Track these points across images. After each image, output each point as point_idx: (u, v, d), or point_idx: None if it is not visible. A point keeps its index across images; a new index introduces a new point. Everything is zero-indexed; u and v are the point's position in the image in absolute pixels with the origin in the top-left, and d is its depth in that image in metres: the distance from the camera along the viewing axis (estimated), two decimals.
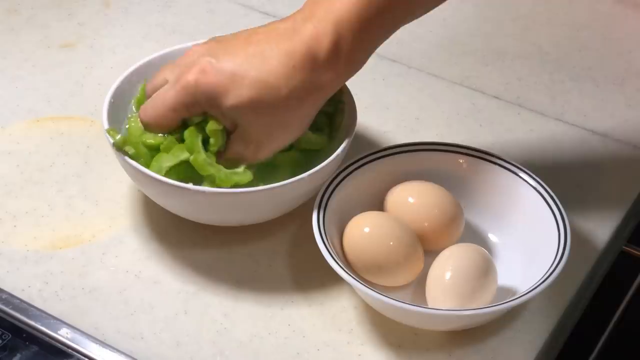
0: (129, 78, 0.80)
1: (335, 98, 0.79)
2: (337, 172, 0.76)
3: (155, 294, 0.74)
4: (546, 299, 0.73)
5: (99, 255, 0.77)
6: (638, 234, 0.83)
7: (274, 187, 0.72)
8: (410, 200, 0.75)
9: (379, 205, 0.77)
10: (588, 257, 0.78)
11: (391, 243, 0.72)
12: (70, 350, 0.69)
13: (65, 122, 0.89)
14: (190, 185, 0.72)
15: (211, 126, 0.73)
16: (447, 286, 0.70)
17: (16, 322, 0.71)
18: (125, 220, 0.80)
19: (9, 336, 0.69)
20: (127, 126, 0.77)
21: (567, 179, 0.84)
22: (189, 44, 0.80)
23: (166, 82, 0.75)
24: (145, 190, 0.77)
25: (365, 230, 0.73)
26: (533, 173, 0.76)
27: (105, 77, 0.91)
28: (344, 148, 0.76)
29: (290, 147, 0.77)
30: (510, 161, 0.77)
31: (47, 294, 0.74)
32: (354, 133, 0.77)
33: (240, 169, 0.74)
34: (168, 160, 0.73)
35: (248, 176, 0.74)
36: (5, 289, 0.73)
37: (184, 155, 0.73)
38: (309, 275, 0.76)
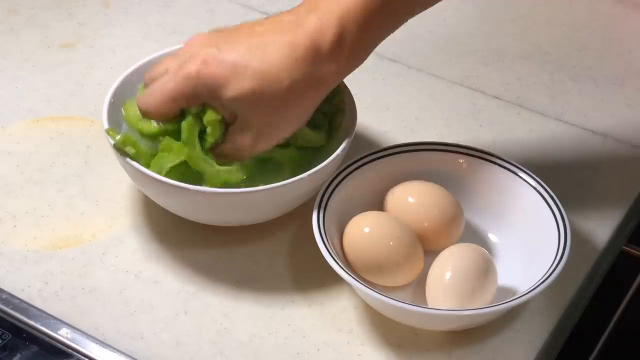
0: (129, 78, 0.80)
1: (335, 98, 0.79)
2: (337, 172, 0.76)
3: (155, 294, 0.74)
4: (546, 299, 0.73)
5: (99, 255, 0.77)
6: (638, 233, 0.83)
7: (274, 187, 0.72)
8: (410, 200, 0.75)
9: (379, 205, 0.77)
10: (588, 257, 0.78)
11: (391, 243, 0.72)
12: (70, 350, 0.69)
13: (65, 122, 0.89)
14: (190, 185, 0.72)
15: (209, 116, 0.72)
16: (447, 286, 0.70)
17: (16, 322, 0.71)
18: (125, 220, 0.80)
19: (9, 336, 0.69)
20: (123, 111, 0.77)
21: (567, 178, 0.84)
22: None
23: (166, 72, 0.74)
24: (145, 190, 0.77)
25: (365, 230, 0.73)
26: (533, 173, 0.76)
27: (105, 77, 0.90)
28: (344, 148, 0.76)
29: (288, 145, 0.77)
30: (510, 161, 0.77)
31: (47, 294, 0.74)
32: (354, 133, 0.77)
33: (233, 167, 0.74)
34: (169, 160, 0.73)
35: (239, 175, 0.74)
36: (5, 289, 0.73)
37: (185, 156, 0.73)
38: (309, 275, 0.76)
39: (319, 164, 0.74)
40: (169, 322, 0.72)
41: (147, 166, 0.73)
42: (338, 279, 0.71)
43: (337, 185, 0.75)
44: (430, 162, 0.79)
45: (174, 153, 0.73)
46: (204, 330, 0.72)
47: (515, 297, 0.68)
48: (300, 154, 0.77)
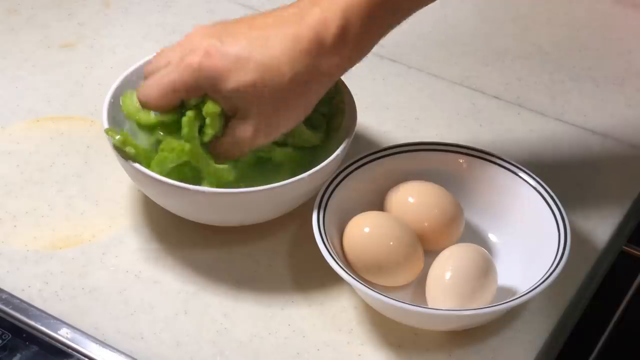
0: (129, 78, 0.80)
1: (335, 98, 0.79)
2: (337, 172, 0.76)
3: (155, 294, 0.74)
4: (546, 299, 0.73)
5: (99, 255, 0.77)
6: (638, 233, 0.84)
7: (274, 187, 0.72)
8: (410, 200, 0.75)
9: (379, 205, 0.77)
10: (588, 257, 0.78)
11: (391, 243, 0.72)
12: (70, 350, 0.69)
13: (65, 122, 0.89)
14: (190, 185, 0.72)
15: (209, 108, 0.72)
16: (447, 286, 0.70)
17: (16, 322, 0.71)
18: (125, 220, 0.80)
19: (9, 336, 0.69)
20: (121, 102, 0.77)
21: (567, 178, 0.84)
22: None
23: (168, 64, 0.74)
24: (145, 190, 0.77)
25: (365, 230, 0.73)
26: (533, 173, 0.76)
27: (105, 77, 0.90)
28: (344, 148, 0.76)
29: (285, 144, 0.76)
30: (510, 161, 0.77)
31: (47, 294, 0.74)
32: (353, 133, 0.77)
33: (225, 165, 0.74)
34: (171, 160, 0.73)
35: (233, 173, 0.74)
36: (5, 289, 0.73)
37: (186, 154, 0.73)
38: (309, 275, 0.76)
39: (319, 164, 0.74)
40: (169, 322, 0.72)
41: (147, 166, 0.73)
42: (338, 279, 0.71)
43: (337, 185, 0.75)
44: (430, 162, 0.79)
45: (176, 153, 0.73)
46: (204, 330, 0.72)
47: (515, 297, 0.68)
48: (299, 154, 0.77)
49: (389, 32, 0.73)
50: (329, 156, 0.74)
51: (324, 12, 0.71)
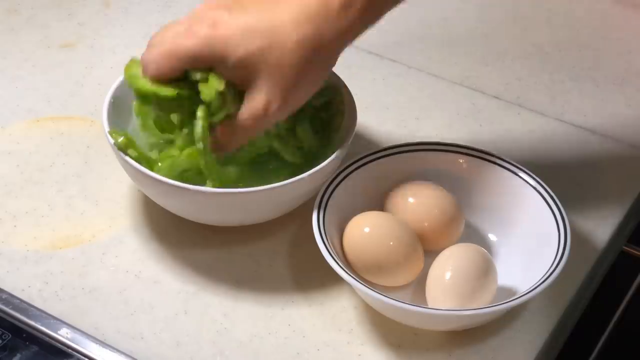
0: None
1: (335, 99, 0.79)
2: (337, 172, 0.76)
3: (155, 294, 0.74)
4: (546, 299, 0.73)
5: (99, 255, 0.77)
6: (638, 233, 0.83)
7: (274, 187, 0.72)
8: (410, 200, 0.75)
9: (379, 205, 0.77)
10: (588, 257, 0.78)
11: (391, 243, 0.72)
12: (70, 350, 0.69)
13: (65, 122, 0.89)
14: (190, 185, 0.72)
15: (212, 85, 0.70)
16: (447, 286, 0.70)
17: (16, 322, 0.71)
18: (125, 220, 0.80)
19: (9, 336, 0.69)
20: (124, 69, 0.75)
21: (567, 178, 0.84)
22: None
23: (175, 34, 0.73)
24: (145, 190, 0.77)
25: (365, 230, 0.73)
26: (533, 173, 0.76)
27: (105, 77, 0.90)
28: (344, 148, 0.76)
29: (285, 145, 0.76)
30: (510, 161, 0.77)
31: (47, 294, 0.74)
32: (353, 133, 0.77)
33: (230, 167, 0.74)
34: (180, 165, 0.73)
35: (234, 175, 0.73)
36: (5, 289, 0.73)
37: (201, 162, 0.73)
38: (309, 275, 0.76)
39: (319, 164, 0.74)
40: (169, 322, 0.72)
41: (149, 166, 0.73)
42: (338, 279, 0.71)
43: (337, 185, 0.75)
44: (430, 162, 0.79)
45: (186, 157, 0.73)
46: (204, 330, 0.72)
47: (515, 297, 0.68)
48: (299, 154, 0.77)
49: (394, 6, 0.73)
50: (329, 156, 0.74)
51: None
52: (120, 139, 0.74)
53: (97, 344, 0.70)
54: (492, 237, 0.78)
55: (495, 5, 1.06)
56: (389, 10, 0.73)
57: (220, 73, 0.71)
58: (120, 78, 0.80)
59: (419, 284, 0.73)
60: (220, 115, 0.72)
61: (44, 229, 0.79)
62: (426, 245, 0.74)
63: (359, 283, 0.68)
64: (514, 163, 0.77)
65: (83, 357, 0.69)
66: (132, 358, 0.69)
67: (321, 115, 0.78)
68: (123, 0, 1.05)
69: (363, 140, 0.87)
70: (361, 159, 0.77)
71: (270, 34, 0.70)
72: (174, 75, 0.72)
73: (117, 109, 0.78)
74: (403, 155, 0.78)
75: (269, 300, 0.74)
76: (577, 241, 0.77)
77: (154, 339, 0.71)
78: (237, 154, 0.75)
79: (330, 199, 0.74)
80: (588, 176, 0.85)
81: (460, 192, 0.77)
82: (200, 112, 0.72)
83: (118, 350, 0.69)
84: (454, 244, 0.74)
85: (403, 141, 0.80)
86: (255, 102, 0.71)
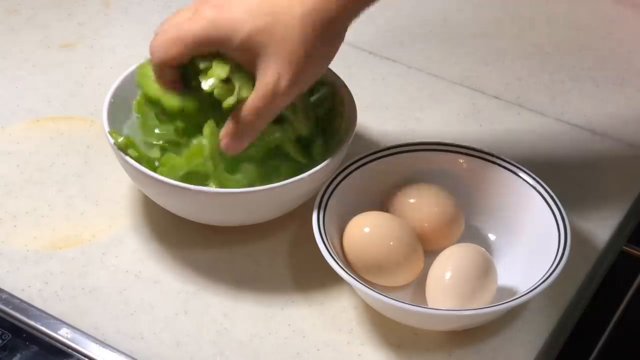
0: (129, 78, 0.80)
1: (334, 99, 0.79)
2: (337, 172, 0.76)
3: (155, 294, 0.74)
4: (546, 299, 0.73)
5: (99, 255, 0.77)
6: (638, 233, 0.84)
7: (274, 187, 0.72)
8: (410, 200, 0.75)
9: (379, 205, 0.77)
10: (588, 257, 0.78)
11: (391, 243, 0.72)
12: (70, 350, 0.69)
13: (65, 122, 0.89)
14: (190, 185, 0.72)
15: (216, 71, 0.71)
16: (447, 286, 0.70)
17: (16, 322, 0.71)
18: (125, 220, 0.80)
19: (9, 336, 0.69)
20: (140, 82, 0.75)
21: (567, 178, 0.84)
22: None
23: (181, 20, 0.73)
24: (145, 190, 0.77)
25: (365, 230, 0.73)
26: (533, 173, 0.76)
27: (105, 77, 0.90)
28: (344, 148, 0.76)
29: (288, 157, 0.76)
30: (510, 161, 0.77)
31: (47, 294, 0.74)
32: (354, 133, 0.77)
33: (237, 175, 0.74)
34: (181, 166, 0.73)
35: (241, 182, 0.73)
36: (5, 289, 0.73)
37: (198, 160, 0.73)
38: (309, 275, 0.76)
39: (319, 164, 0.74)
40: (169, 322, 0.72)
41: (150, 167, 0.73)
42: (338, 279, 0.71)
43: (337, 185, 0.75)
44: (430, 162, 0.79)
45: (190, 157, 0.73)
46: (204, 330, 0.72)
47: (515, 297, 0.68)
48: (299, 155, 0.77)
49: None
50: (329, 156, 0.74)
51: None
52: (121, 139, 0.74)
53: (97, 344, 0.70)
54: (492, 237, 0.78)
55: (495, 5, 1.06)
56: None
57: (227, 57, 0.71)
58: (121, 78, 0.80)
59: (419, 284, 0.73)
60: (230, 101, 0.71)
61: (44, 229, 0.79)
62: (426, 245, 0.74)
63: (359, 283, 0.68)
64: (514, 163, 0.77)
65: (83, 357, 0.69)
66: (132, 358, 0.69)
67: (318, 112, 0.78)
68: (123, 0, 1.05)
69: (363, 140, 0.87)
70: (361, 159, 0.77)
71: (274, 11, 0.70)
72: (181, 61, 0.72)
73: (117, 109, 0.78)
74: (403, 155, 0.78)
75: (269, 300, 0.74)
76: (577, 241, 0.77)
77: (154, 339, 0.71)
78: (245, 153, 0.74)
79: (330, 199, 0.74)
80: (588, 176, 0.85)
81: (460, 192, 0.77)
82: (207, 130, 0.72)
83: (118, 350, 0.69)
84: (454, 244, 0.74)
85: (403, 141, 0.80)
86: (265, 79, 0.71)
